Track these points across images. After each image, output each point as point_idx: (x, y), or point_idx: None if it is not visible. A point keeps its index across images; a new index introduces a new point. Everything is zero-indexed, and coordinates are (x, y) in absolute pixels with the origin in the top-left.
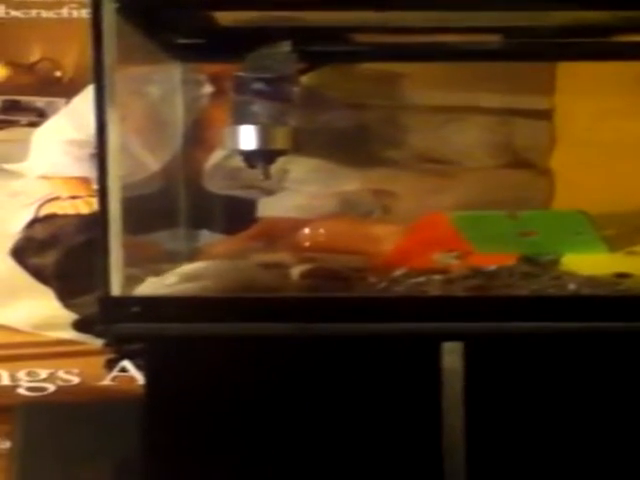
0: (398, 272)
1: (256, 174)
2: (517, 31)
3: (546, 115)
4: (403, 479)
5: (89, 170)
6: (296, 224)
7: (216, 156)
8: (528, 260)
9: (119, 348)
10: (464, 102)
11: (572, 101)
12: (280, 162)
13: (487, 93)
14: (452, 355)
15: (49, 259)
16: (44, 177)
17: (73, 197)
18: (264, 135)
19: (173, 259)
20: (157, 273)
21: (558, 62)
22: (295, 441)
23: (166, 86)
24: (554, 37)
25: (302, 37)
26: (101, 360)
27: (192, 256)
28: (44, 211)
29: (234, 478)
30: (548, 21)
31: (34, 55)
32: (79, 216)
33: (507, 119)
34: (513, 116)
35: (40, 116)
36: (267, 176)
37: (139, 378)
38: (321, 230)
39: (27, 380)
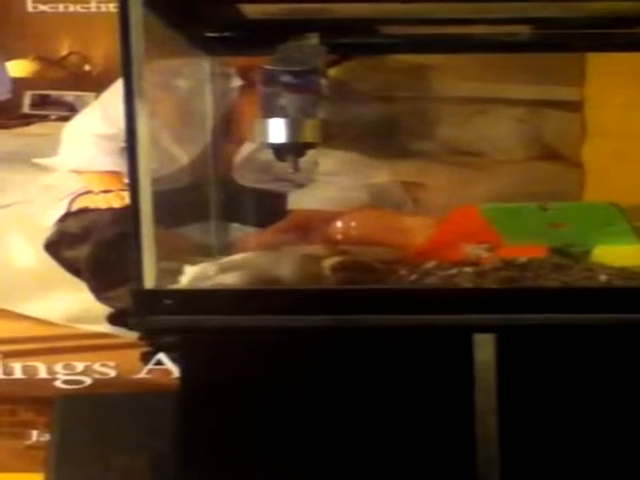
0: (429, 264)
1: (286, 167)
2: (547, 22)
3: (576, 107)
4: (437, 470)
5: (120, 164)
6: (327, 217)
7: (246, 149)
8: (559, 252)
9: (153, 341)
10: (494, 94)
11: (602, 92)
12: (310, 155)
13: (517, 85)
14: (484, 347)
15: (82, 253)
16: (75, 171)
17: (105, 191)
18: (293, 128)
19: (205, 252)
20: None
21: (588, 53)
22: (330, 431)
23: (195, 79)
24: (584, 28)
25: (331, 29)
26: (137, 353)
27: (224, 249)
28: (76, 205)
29: (269, 470)
30: (578, 12)
31: (63, 49)
32: (111, 210)
33: (537, 111)
34: (543, 108)
35: (70, 110)
36: (297, 169)
37: (174, 371)
38: (352, 223)
39: (64, 373)
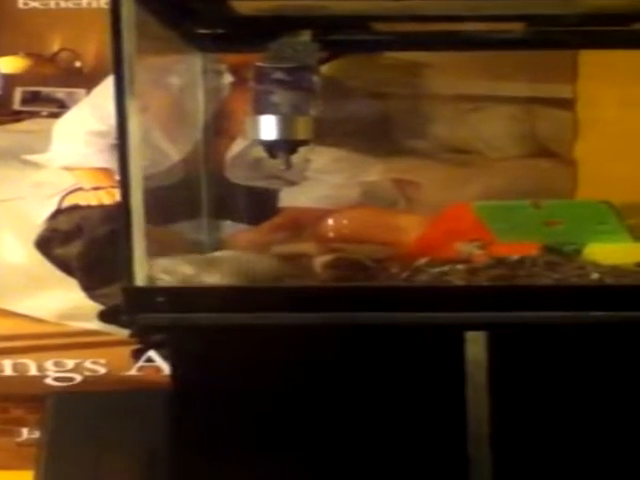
0: (421, 262)
1: (278, 164)
2: (539, 19)
3: (569, 104)
4: (429, 467)
5: (111, 161)
6: (319, 214)
7: (238, 146)
8: (551, 250)
9: (144, 338)
10: (486, 91)
11: (595, 90)
12: (302, 152)
13: (509, 82)
14: (476, 344)
15: (73, 250)
16: (66, 168)
17: (96, 188)
18: (285, 125)
19: (196, 249)
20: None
21: (580, 50)
22: (322, 426)
23: (187, 76)
24: (577, 25)
25: (323, 26)
26: (127, 351)
27: (215, 246)
28: (67, 202)
29: (260, 466)
30: (570, 9)
31: (54, 46)
32: (102, 207)
33: (530, 108)
34: (536, 105)
35: (61, 107)
36: (289, 166)
37: (165, 368)
38: (344, 220)
39: (54, 370)
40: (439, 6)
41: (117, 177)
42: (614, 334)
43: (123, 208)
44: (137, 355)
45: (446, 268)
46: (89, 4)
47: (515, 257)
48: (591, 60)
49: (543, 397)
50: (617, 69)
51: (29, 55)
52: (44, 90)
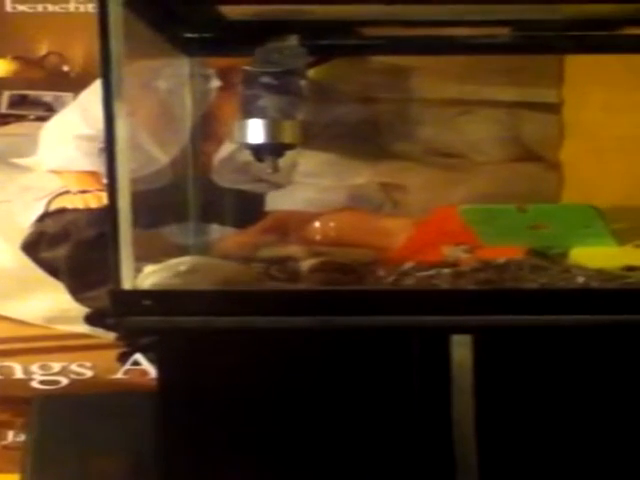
0: (407, 265)
1: (265, 168)
2: (526, 24)
3: (555, 108)
4: (415, 471)
5: (98, 164)
6: (306, 218)
7: (225, 150)
8: (537, 253)
9: (131, 341)
10: (473, 95)
11: (581, 94)
12: (289, 156)
13: (496, 86)
14: (461, 348)
15: (60, 253)
16: (54, 171)
17: (83, 191)
18: (272, 129)
19: (183, 253)
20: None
21: (567, 55)
22: (308, 429)
23: (174, 80)
24: (563, 30)
25: (310, 30)
26: (114, 354)
27: (202, 250)
28: (54, 205)
29: (247, 470)
30: (557, 14)
31: (41, 50)
32: (89, 210)
33: (516, 112)
34: (522, 109)
35: (48, 110)
36: (275, 170)
37: (151, 372)
38: (331, 224)
39: (41, 373)
40: (426, 11)
41: (104, 180)
42: (599, 337)
43: (110, 211)
44: (123, 358)
45: (432, 272)
46: (77, 8)
47: (501, 261)
48: (577, 65)
49: (529, 400)
50: (603, 74)
51: (16, 59)
52: (31, 94)
